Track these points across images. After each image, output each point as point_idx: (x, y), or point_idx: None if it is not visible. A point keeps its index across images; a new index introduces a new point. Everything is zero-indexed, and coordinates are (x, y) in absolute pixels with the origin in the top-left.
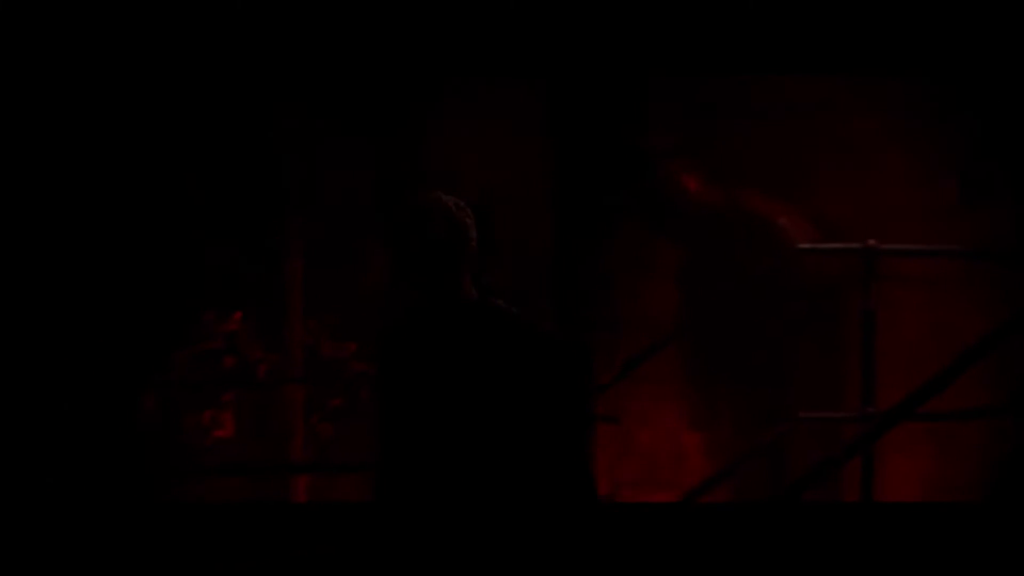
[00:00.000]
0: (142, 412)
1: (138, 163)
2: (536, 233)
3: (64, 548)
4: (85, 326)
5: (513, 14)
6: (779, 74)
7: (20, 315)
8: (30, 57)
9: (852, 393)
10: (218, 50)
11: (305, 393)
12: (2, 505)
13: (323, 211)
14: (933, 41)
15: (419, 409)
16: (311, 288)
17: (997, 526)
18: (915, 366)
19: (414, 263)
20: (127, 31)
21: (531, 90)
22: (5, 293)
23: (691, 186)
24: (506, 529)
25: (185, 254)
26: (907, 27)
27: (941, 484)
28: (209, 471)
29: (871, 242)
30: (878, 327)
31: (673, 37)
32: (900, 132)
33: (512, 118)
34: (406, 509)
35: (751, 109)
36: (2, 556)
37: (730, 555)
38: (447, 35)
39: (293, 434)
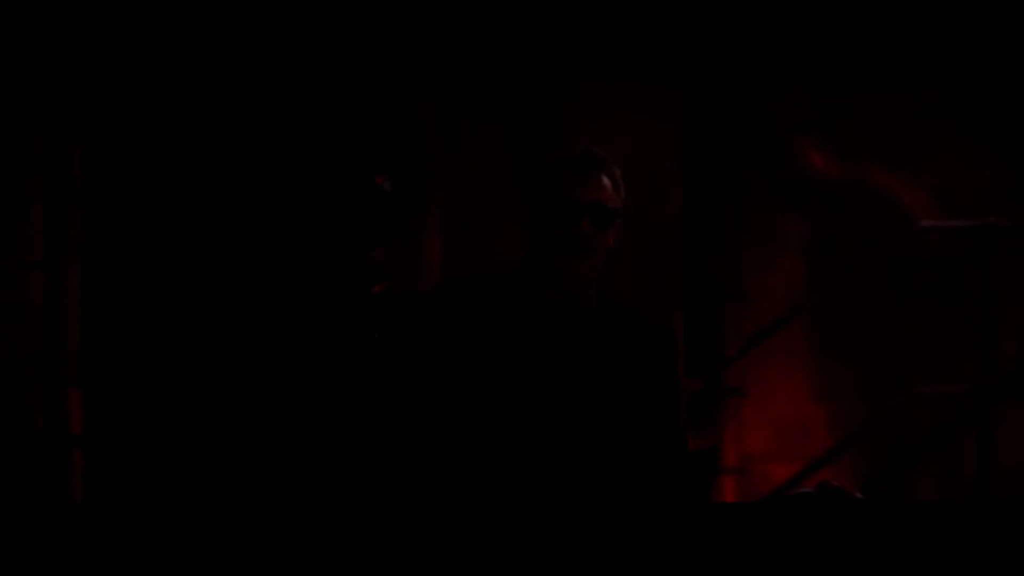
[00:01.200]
0: None
1: (296, 144)
2: (668, 208)
3: None
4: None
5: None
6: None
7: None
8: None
9: (975, 368)
10: (374, 45)
11: None
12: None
13: (461, 190)
14: None
15: (484, 400)
16: (447, 262)
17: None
18: None
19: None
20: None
21: (667, 72)
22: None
23: (818, 161)
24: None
25: (328, 231)
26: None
27: None
28: None
29: (991, 219)
30: (1000, 302)
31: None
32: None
33: (647, 96)
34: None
35: (878, 84)
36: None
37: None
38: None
39: None
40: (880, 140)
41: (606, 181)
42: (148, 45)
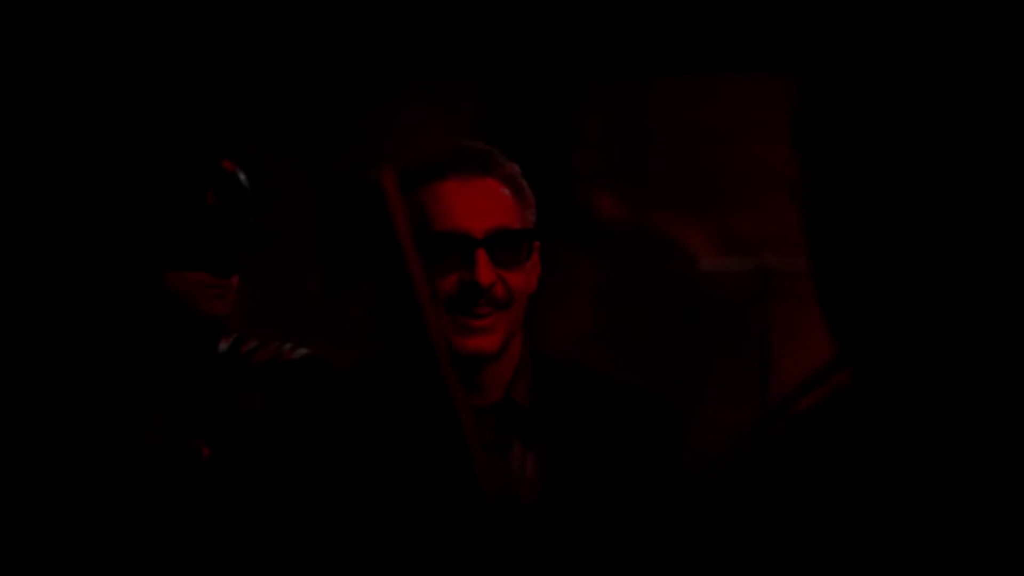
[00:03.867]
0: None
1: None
2: None
3: None
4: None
5: (445, 20)
6: (710, 73)
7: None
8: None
9: (755, 400)
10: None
11: None
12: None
13: (261, 226)
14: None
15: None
16: (252, 307)
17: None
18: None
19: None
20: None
21: (465, 106)
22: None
23: (609, 206)
24: None
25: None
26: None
27: None
28: None
29: (767, 261)
30: (779, 340)
31: (604, 43)
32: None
33: (447, 130)
34: None
35: (667, 132)
36: None
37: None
38: (377, 41)
39: None
40: (669, 187)
41: (504, 189)
42: None
